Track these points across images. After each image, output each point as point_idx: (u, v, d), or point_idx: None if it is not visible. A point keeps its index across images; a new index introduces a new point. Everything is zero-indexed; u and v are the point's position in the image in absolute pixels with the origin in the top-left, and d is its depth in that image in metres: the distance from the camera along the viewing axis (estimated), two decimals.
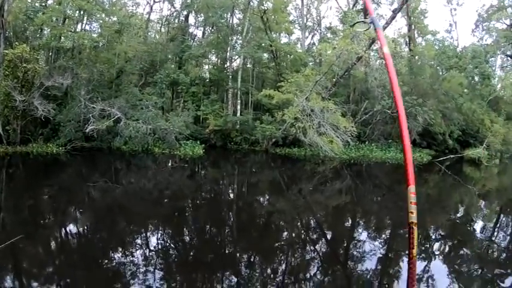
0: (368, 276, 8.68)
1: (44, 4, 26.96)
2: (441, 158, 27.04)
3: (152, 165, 23.44)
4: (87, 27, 29.90)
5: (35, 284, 7.78)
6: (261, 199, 17.04)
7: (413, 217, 2.74)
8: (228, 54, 33.39)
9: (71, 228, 11.88)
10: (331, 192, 18.74)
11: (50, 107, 21.50)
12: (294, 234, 12.18)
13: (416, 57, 34.70)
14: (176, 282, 8.44)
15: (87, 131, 23.02)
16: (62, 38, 26.97)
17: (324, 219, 14.21)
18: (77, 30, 28.43)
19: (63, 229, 11.66)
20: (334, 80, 28.91)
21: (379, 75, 28.29)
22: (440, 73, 37.49)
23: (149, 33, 38.82)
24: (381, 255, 10.03)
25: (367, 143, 30.13)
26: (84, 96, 24.03)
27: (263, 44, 33.30)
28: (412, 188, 2.81)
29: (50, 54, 27.88)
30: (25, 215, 12.68)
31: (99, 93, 25.80)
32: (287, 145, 29.79)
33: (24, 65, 20.35)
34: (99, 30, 29.95)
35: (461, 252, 10.46)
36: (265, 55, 35.57)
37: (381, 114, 29.89)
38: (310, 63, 35.25)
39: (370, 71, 29.88)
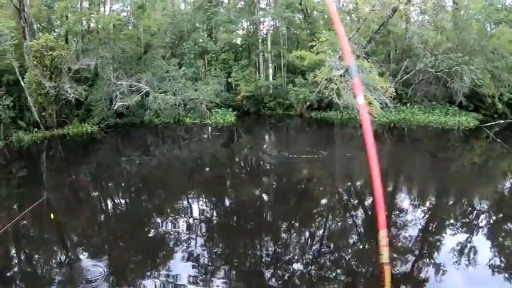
0: (409, 245, 8.79)
1: None
2: (489, 123, 25.01)
3: (184, 136, 24.06)
4: (109, 8, 30.53)
5: (84, 252, 8.65)
6: (297, 166, 16.85)
7: (385, 258, 2.72)
8: (256, 17, 31.68)
9: (111, 200, 13.00)
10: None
11: (81, 89, 22.41)
12: (331, 201, 12.44)
13: (462, 11, 31.40)
14: (216, 247, 9.07)
15: (115, 108, 23.85)
16: (86, 21, 28.35)
17: (362, 187, 14.05)
18: (101, 11, 29.25)
19: (103, 202, 12.84)
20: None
21: (421, 31, 26.28)
22: (488, 29, 33.87)
23: (176, 5, 37.61)
24: (422, 224, 10.09)
25: (408, 105, 28.43)
26: (111, 74, 24.67)
27: (296, 4, 31.55)
28: (383, 232, 2.73)
29: (77, 38, 28.65)
30: (67, 192, 13.83)
31: (127, 69, 26.20)
32: (322, 108, 29.05)
33: (50, 52, 21.20)
34: (124, 8, 30.39)
35: (506, 226, 10.20)
36: (298, 16, 33.56)
37: (423, 73, 27.93)
38: (348, 21, 32.94)
39: (411, 26, 27.68)
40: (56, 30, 27.26)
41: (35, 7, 26.11)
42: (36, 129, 22.05)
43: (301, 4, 31.33)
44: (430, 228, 10.02)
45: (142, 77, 24.99)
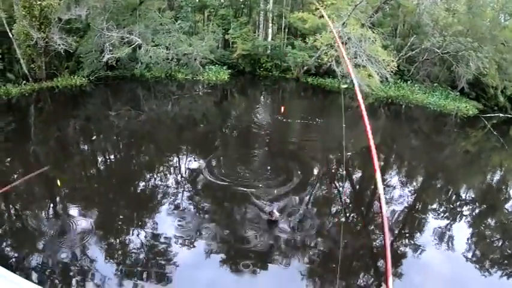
0: (392, 221, 9.49)
1: None
2: (488, 115, 25.13)
3: (175, 91, 24.18)
4: None
5: (73, 205, 9.36)
6: (288, 132, 17.45)
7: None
8: None
9: (99, 154, 13.57)
10: (363, 132, 18.07)
11: (70, 40, 22.23)
12: (320, 171, 12.93)
13: None
14: (203, 203, 9.72)
15: (105, 59, 23.46)
16: None
17: (353, 159, 14.58)
18: None
19: (91, 156, 13.54)
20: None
21: (432, 9, 25.91)
22: (502, 19, 33.09)
23: None
24: (406, 203, 10.75)
25: (409, 82, 28.28)
26: (102, 25, 24.03)
27: None
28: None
29: None
30: (54, 145, 14.43)
31: (119, 20, 25.57)
32: (320, 74, 28.75)
33: (39, 2, 20.93)
34: None
35: (487, 219, 10.77)
36: None
37: (429, 53, 27.64)
38: None
39: (423, 2, 26.78)
40: None
41: None
42: (25, 81, 22.05)
43: None
44: (413, 208, 10.66)
45: (135, 29, 24.63)
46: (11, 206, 9.66)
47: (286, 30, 31.64)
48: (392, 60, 23.60)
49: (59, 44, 21.26)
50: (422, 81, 28.07)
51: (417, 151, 16.81)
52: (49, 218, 8.83)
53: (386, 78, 23.80)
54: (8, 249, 7.62)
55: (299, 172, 11.91)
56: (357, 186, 12.06)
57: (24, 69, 21.95)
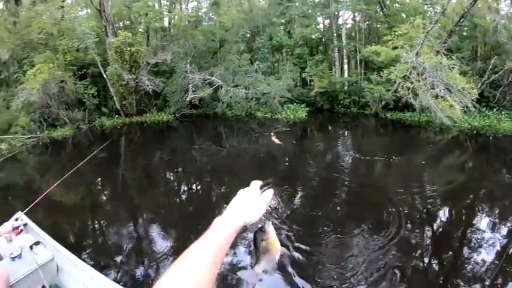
0: (482, 272, 8.23)
1: None
2: None
3: (255, 129, 24.89)
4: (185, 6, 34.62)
5: (152, 228, 10.03)
6: (364, 172, 16.44)
7: None
8: (330, 10, 31.07)
9: (181, 183, 14.65)
10: (447, 169, 17.12)
11: (158, 81, 25.13)
12: (398, 216, 11.34)
13: None
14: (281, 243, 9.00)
15: (188, 99, 26.06)
16: (167, 18, 32.13)
17: (435, 201, 13.12)
18: (177, 8, 33.10)
19: (174, 185, 14.60)
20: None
21: (510, 24, 23.45)
22: None
23: None
24: (498, 250, 9.20)
25: (495, 110, 24.83)
26: (184, 68, 26.66)
27: None
28: None
29: (155, 35, 32.06)
30: (140, 173, 15.83)
31: (201, 63, 28.24)
32: (399, 108, 27.20)
33: (129, 48, 24.01)
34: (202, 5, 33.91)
35: None
36: (377, 8, 32.06)
37: None
38: (431, 13, 30.40)
39: (499, 18, 24.20)
40: (138, 27, 30.85)
41: (116, 7, 29.81)
42: (117, 116, 25.31)
43: None
44: (508, 256, 9.05)
45: (215, 71, 26.63)
46: (96, 222, 10.75)
47: (362, 64, 30.99)
48: (472, 88, 21.58)
49: (147, 85, 23.99)
50: (510, 107, 24.87)
51: (510, 187, 14.46)
52: (130, 237, 9.51)
53: (468, 108, 21.73)
54: (88, 261, 7.94)
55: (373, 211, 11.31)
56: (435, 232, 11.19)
57: (117, 105, 25.22)
